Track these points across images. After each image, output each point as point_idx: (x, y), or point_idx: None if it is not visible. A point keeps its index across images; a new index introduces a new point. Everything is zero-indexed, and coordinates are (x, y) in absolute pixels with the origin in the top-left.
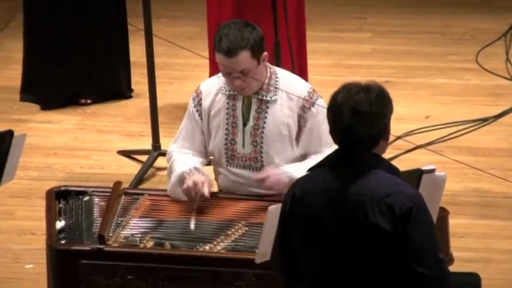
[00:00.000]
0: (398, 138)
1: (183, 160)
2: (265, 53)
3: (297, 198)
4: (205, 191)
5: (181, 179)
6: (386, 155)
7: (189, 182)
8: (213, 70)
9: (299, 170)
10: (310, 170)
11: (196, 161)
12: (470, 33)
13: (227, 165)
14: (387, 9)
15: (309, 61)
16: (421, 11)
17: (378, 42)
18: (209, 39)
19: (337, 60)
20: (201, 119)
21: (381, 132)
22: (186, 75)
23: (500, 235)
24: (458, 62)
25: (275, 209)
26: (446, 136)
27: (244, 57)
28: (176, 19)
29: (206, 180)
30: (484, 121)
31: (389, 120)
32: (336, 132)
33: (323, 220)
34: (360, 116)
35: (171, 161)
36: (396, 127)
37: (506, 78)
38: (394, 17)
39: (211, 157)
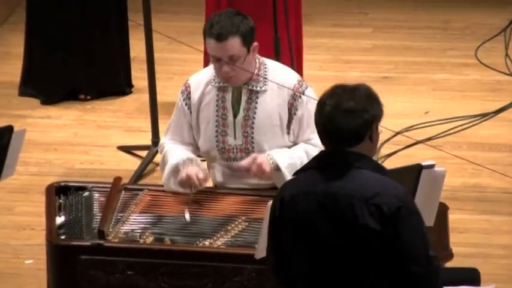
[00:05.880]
0: (398, 133)
1: (175, 151)
2: (255, 44)
3: (286, 202)
4: (198, 182)
5: (176, 171)
6: (386, 150)
7: (182, 174)
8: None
9: (285, 156)
10: (297, 173)
11: (189, 151)
12: (471, 28)
13: (219, 159)
14: (388, 4)
15: (309, 56)
16: (422, 6)
17: (378, 37)
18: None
19: (337, 56)
20: (190, 112)
21: (364, 128)
22: (186, 71)
23: (500, 230)
24: (458, 57)
25: None
26: (445, 131)
27: (235, 43)
28: (176, 14)
29: (199, 170)
30: (484, 116)
31: (376, 122)
32: (319, 126)
33: (313, 223)
34: (340, 109)
35: (163, 152)
36: (396, 122)
37: (506, 74)
38: (395, 12)
39: (202, 152)
